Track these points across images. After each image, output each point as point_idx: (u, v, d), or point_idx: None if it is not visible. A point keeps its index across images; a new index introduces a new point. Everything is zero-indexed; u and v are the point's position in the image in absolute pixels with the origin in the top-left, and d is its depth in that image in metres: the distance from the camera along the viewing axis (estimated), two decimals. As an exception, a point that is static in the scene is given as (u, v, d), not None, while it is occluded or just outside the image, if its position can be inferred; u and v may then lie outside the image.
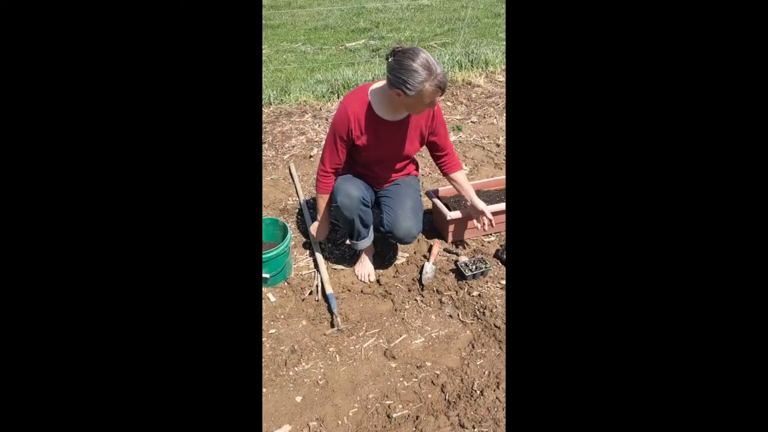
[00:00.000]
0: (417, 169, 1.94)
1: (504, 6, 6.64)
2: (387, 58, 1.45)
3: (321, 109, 3.40)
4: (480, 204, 1.80)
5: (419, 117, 1.63)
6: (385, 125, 1.61)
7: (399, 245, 2.02)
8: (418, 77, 1.37)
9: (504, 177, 2.20)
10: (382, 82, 1.57)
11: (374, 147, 1.65)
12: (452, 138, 2.97)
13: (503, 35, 5.32)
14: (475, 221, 1.85)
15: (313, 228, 1.88)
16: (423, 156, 2.69)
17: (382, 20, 6.34)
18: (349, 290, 1.82)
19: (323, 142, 2.94)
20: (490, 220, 1.79)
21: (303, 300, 1.77)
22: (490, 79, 3.93)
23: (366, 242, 1.83)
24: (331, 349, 1.57)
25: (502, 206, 1.92)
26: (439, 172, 1.89)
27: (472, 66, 4.05)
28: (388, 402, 1.39)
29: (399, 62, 1.40)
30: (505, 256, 1.90)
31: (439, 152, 1.79)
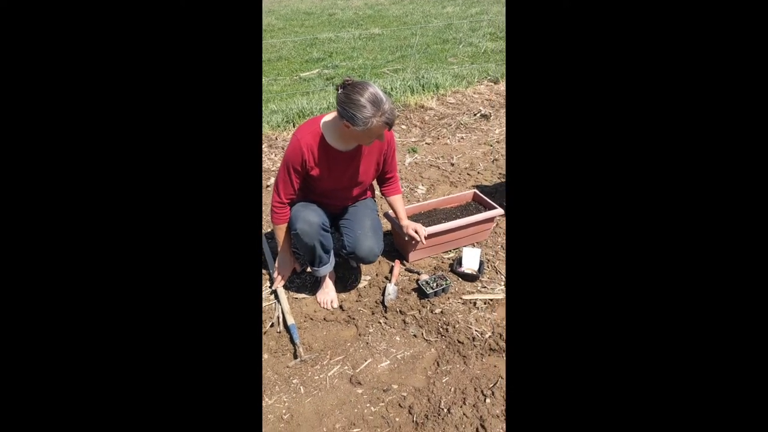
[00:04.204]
0: (372, 192, 1.96)
1: (451, 33, 6.94)
2: (337, 89, 1.45)
3: (276, 139, 3.40)
4: (411, 222, 1.88)
5: (372, 146, 1.65)
6: (338, 155, 1.62)
7: (360, 268, 2.02)
8: (366, 112, 1.38)
9: (459, 194, 2.26)
10: (333, 114, 1.57)
11: (328, 177, 1.66)
12: (408, 159, 3.03)
13: (452, 60, 5.55)
14: (412, 233, 1.86)
15: (277, 265, 1.85)
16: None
17: (335, 50, 6.47)
18: (311, 318, 1.79)
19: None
20: (425, 235, 1.85)
21: (264, 333, 1.72)
22: (441, 101, 4.07)
23: (327, 268, 1.82)
24: (294, 381, 1.53)
25: (441, 227, 1.97)
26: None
27: (423, 90, 4.18)
28: (355, 430, 1.35)
29: (348, 96, 1.39)
30: (460, 269, 1.93)
31: (384, 176, 1.83)
